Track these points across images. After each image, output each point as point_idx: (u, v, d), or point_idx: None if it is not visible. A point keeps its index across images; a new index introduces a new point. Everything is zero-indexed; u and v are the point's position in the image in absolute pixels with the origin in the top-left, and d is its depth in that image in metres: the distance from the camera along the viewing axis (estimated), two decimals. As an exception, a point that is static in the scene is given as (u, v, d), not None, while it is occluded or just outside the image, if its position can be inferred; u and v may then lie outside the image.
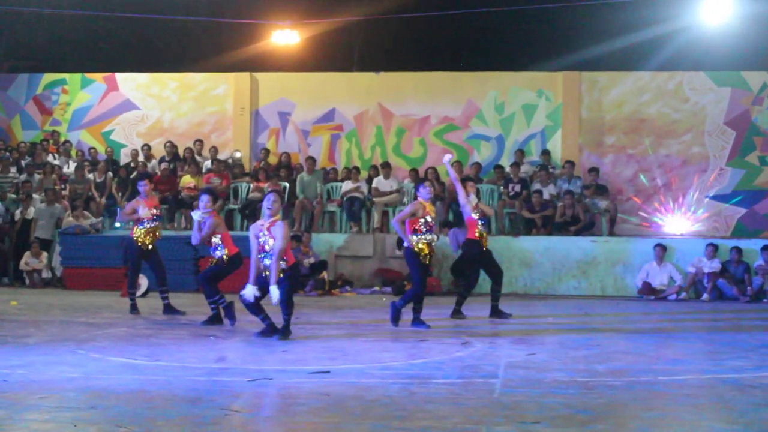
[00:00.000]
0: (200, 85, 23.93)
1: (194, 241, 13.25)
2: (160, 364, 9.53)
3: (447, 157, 14.34)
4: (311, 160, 21.69)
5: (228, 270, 13.08)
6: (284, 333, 11.38)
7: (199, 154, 22.66)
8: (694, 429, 6.94)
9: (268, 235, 11.40)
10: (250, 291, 11.37)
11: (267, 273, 11.33)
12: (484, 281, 15.04)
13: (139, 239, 14.30)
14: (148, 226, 14.34)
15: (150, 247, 14.38)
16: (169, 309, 14.33)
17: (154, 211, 14.51)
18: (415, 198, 13.22)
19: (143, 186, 14.63)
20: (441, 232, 18.65)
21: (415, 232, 12.82)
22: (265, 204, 11.71)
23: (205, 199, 13.16)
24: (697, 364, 10.05)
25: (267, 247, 11.36)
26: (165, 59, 26.78)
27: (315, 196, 20.97)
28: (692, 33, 23.36)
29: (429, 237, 12.85)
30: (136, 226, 14.39)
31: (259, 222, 11.82)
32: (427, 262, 12.99)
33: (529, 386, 8.40)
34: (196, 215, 13.04)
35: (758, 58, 23.15)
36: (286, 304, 11.31)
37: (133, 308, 14.39)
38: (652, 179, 22.10)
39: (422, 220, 12.79)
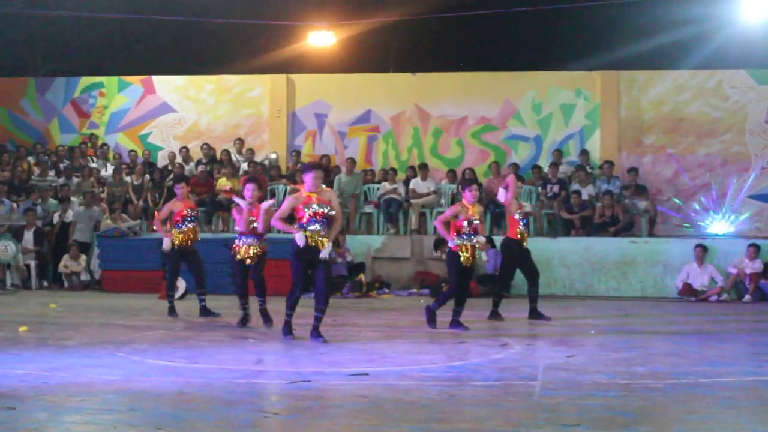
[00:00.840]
0: (236, 87, 24.04)
1: (242, 228, 13.08)
2: (198, 367, 9.59)
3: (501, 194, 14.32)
4: (351, 161, 21.74)
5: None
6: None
7: (240, 153, 22.76)
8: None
9: (322, 205, 11.40)
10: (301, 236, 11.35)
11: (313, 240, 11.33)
12: (522, 282, 15.01)
13: (176, 241, 14.38)
14: (185, 227, 14.42)
15: (188, 248, 14.46)
16: (205, 311, 14.40)
17: (185, 212, 14.51)
18: (454, 200, 13.22)
19: (180, 189, 14.72)
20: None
21: (458, 233, 12.82)
22: (313, 177, 11.57)
23: (250, 188, 13.26)
24: (739, 366, 9.98)
25: (315, 212, 11.35)
26: (201, 62, 26.97)
27: (353, 198, 20.97)
28: (732, 30, 23.22)
29: (474, 239, 12.84)
30: (173, 228, 14.48)
31: (301, 194, 11.62)
32: (469, 265, 12.95)
33: (568, 388, 8.38)
34: (244, 203, 13.06)
35: (801, 55, 22.97)
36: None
37: (171, 311, 14.46)
38: (692, 179, 21.96)
39: (466, 222, 12.78)
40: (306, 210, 11.41)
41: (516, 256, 14.20)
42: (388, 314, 15.11)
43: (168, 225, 14.71)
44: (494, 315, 14.15)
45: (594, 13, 24.05)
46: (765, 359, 10.34)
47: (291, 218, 11.82)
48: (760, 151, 21.84)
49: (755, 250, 18.46)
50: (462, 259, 12.79)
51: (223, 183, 21.38)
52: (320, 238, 11.34)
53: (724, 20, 22.60)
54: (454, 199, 20.93)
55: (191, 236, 14.49)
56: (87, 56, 27.04)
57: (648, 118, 22.38)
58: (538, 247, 18.15)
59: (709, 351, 11.20)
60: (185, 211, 14.42)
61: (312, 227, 11.36)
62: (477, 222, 12.88)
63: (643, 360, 10.11)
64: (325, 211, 11.39)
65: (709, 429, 6.91)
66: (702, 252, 18.63)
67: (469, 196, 12.96)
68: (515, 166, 21.80)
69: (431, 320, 12.96)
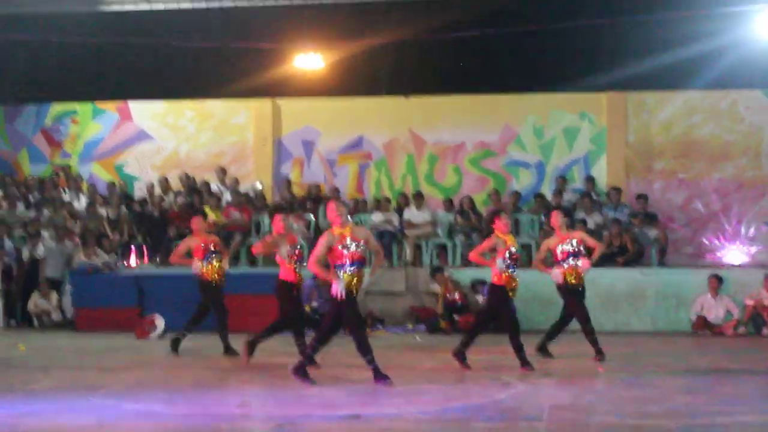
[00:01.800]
0: (219, 113, 24.08)
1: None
2: (178, 411, 9.51)
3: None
4: (335, 191, 21.76)
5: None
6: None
7: (222, 183, 22.75)
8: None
9: (356, 242, 11.16)
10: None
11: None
12: (527, 319, 15.00)
13: (208, 275, 14.38)
14: (214, 261, 14.47)
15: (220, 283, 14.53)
16: (229, 350, 14.34)
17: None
18: (451, 230, 13.23)
19: (195, 224, 14.74)
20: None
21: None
22: (335, 212, 11.34)
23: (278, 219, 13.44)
24: (759, 403, 9.95)
25: (353, 253, 11.13)
26: (181, 86, 26.93)
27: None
28: (745, 48, 23.21)
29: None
30: (201, 263, 14.48)
31: (332, 234, 11.29)
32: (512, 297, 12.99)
33: (576, 430, 8.33)
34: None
35: (817, 75, 22.99)
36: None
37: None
38: (705, 206, 21.97)
39: (507, 253, 12.77)
40: (344, 251, 11.14)
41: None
42: (382, 352, 14.96)
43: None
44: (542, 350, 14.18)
45: (599, 32, 24.03)
46: (786, 396, 10.30)
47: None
48: (777, 175, 21.89)
49: (774, 281, 18.44)
50: (510, 294, 12.82)
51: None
52: (355, 281, 11.18)
53: (736, 37, 22.62)
54: (452, 230, 20.92)
55: (221, 269, 14.54)
56: (58, 82, 26.96)
57: (658, 142, 22.42)
58: (542, 280, 18.07)
59: (725, 388, 11.16)
60: (203, 245, 14.45)
61: (350, 269, 11.14)
62: (515, 251, 12.89)
63: (655, 399, 10.07)
64: (361, 251, 11.22)
65: (728, 471, 6.86)
66: (717, 283, 18.60)
67: (501, 225, 12.95)
68: (516, 194, 21.81)
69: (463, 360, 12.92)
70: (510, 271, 12.78)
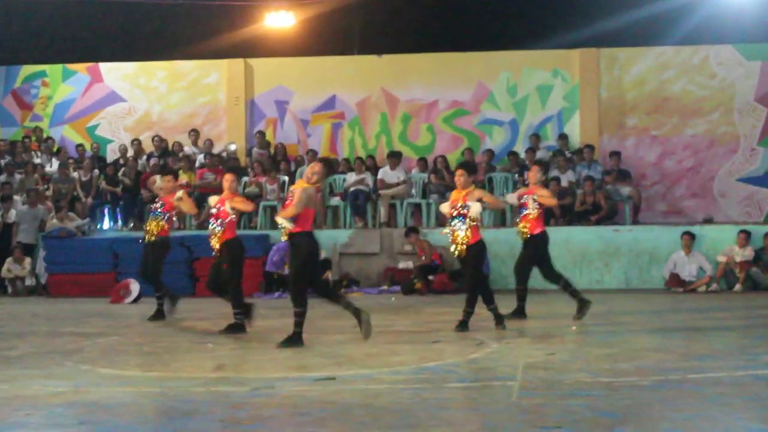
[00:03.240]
0: (190, 73, 23.95)
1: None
2: (153, 375, 9.55)
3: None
4: (312, 153, 21.68)
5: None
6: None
7: (195, 145, 22.68)
8: (728, 429, 6.94)
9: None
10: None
11: None
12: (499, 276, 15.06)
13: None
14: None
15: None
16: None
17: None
18: (425, 190, 13.15)
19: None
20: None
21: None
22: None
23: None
24: (730, 360, 10.03)
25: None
26: (152, 47, 26.79)
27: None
28: (718, 3, 23.32)
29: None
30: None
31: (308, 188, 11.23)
32: None
33: (549, 388, 8.41)
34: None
35: (791, 30, 23.08)
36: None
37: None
38: (677, 162, 22.08)
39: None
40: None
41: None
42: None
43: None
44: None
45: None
46: (756, 353, 10.42)
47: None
48: (750, 131, 21.98)
49: (746, 237, 18.58)
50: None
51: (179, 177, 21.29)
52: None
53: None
54: (426, 189, 20.95)
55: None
56: (28, 43, 26.78)
57: (630, 99, 22.48)
58: (515, 238, 18.15)
59: (697, 345, 11.29)
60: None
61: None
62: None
63: (627, 356, 10.16)
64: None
65: (699, 427, 6.96)
66: (689, 240, 18.73)
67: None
68: (490, 152, 21.86)
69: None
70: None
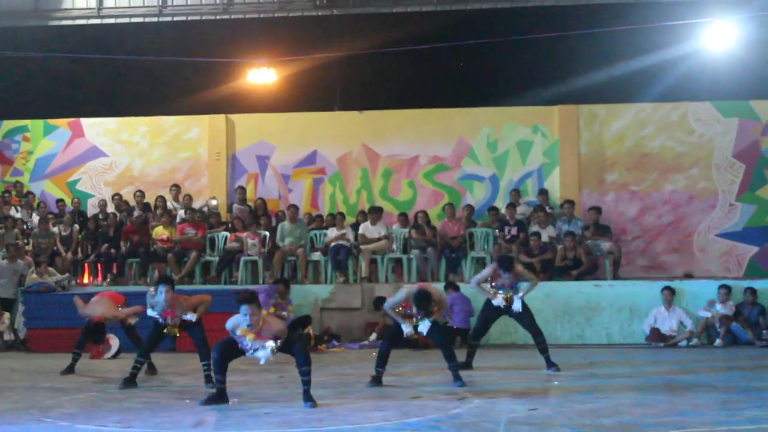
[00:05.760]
0: (172, 128, 23.98)
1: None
2: None
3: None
4: (294, 208, 21.65)
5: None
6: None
7: (176, 200, 22.65)
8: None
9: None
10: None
11: None
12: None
13: None
14: None
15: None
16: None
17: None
18: (406, 245, 13.22)
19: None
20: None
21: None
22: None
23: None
24: (711, 415, 10.01)
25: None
26: (134, 102, 26.83)
27: (298, 246, 20.83)
28: (696, 61, 23.53)
29: None
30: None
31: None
32: None
33: (531, 444, 8.37)
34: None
35: (767, 87, 23.26)
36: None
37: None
38: (657, 217, 22.18)
39: None
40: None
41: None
42: (339, 368, 15.02)
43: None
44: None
45: (550, 45, 24.24)
46: (738, 408, 10.39)
47: None
48: (728, 186, 22.12)
49: (726, 292, 18.60)
50: None
51: (159, 232, 21.26)
52: None
53: (686, 50, 22.89)
54: (407, 244, 20.93)
55: None
56: (9, 98, 26.78)
57: (610, 154, 22.60)
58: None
59: (679, 400, 11.25)
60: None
61: None
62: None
63: (610, 411, 10.13)
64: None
65: (682, 484, 6.92)
66: (670, 295, 18.76)
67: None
68: (470, 207, 21.90)
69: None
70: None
